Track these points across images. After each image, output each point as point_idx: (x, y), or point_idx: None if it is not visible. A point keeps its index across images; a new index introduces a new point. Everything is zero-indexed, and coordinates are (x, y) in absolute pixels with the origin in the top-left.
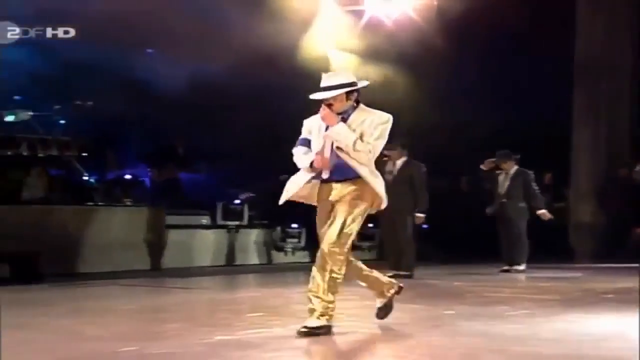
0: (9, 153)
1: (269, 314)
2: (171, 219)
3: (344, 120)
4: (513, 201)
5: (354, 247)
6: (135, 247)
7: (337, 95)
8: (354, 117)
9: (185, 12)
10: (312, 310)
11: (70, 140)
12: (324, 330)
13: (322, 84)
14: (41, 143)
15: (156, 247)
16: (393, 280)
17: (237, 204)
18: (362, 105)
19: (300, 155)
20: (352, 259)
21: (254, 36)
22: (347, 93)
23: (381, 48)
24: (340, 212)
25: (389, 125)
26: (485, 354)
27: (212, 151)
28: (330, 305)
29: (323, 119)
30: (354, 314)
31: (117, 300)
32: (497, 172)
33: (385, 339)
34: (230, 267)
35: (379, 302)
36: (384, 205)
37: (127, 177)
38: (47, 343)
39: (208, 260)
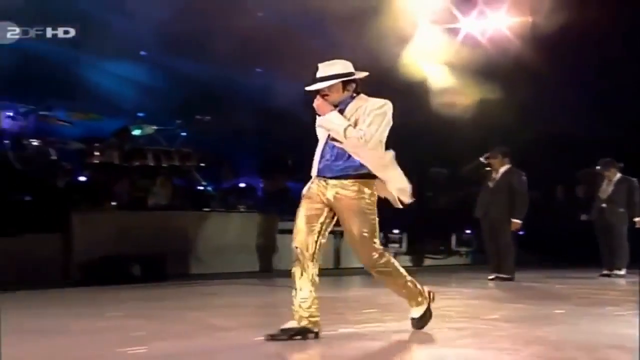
0: (137, 164)
1: (383, 310)
2: (282, 225)
3: (341, 111)
4: (614, 207)
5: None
6: (248, 250)
7: (332, 86)
8: (350, 107)
9: (294, 33)
10: (411, 304)
11: (191, 151)
12: (428, 314)
13: (318, 75)
14: (165, 154)
15: (267, 251)
16: (319, 323)
17: None
18: (361, 95)
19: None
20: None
21: (357, 54)
22: (344, 83)
23: (476, 64)
24: (356, 226)
25: (385, 110)
26: (604, 349)
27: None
28: (419, 288)
29: (316, 108)
30: (462, 311)
31: (238, 297)
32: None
33: (500, 332)
34: (336, 269)
35: (290, 323)
36: (406, 199)
37: (241, 185)
38: (188, 333)
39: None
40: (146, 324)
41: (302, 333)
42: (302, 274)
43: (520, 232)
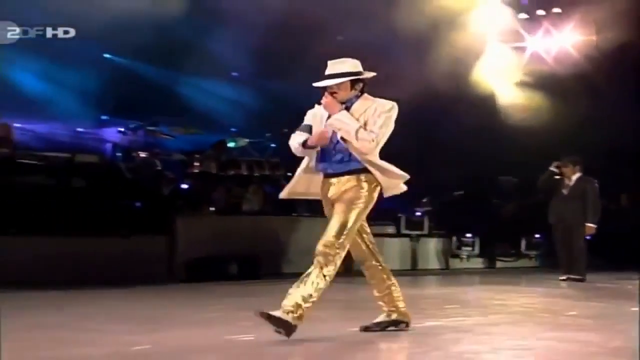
0: (232, 173)
1: (464, 307)
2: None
3: (347, 109)
4: None
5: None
6: None
7: (341, 84)
8: (357, 106)
9: (370, 54)
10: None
11: (279, 161)
12: (282, 327)
13: (327, 72)
14: (256, 164)
15: (348, 253)
16: (408, 314)
17: (418, 216)
18: (366, 95)
19: (294, 137)
20: (384, 265)
21: (430, 72)
22: (352, 82)
23: (542, 79)
24: (338, 213)
25: (394, 114)
26: None
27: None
28: (304, 305)
29: (325, 106)
30: (542, 308)
31: (328, 293)
32: None
33: (582, 326)
34: (413, 270)
35: (381, 317)
36: (399, 190)
37: None
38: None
39: (394, 264)
40: (249, 316)
41: (395, 324)
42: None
43: (588, 237)
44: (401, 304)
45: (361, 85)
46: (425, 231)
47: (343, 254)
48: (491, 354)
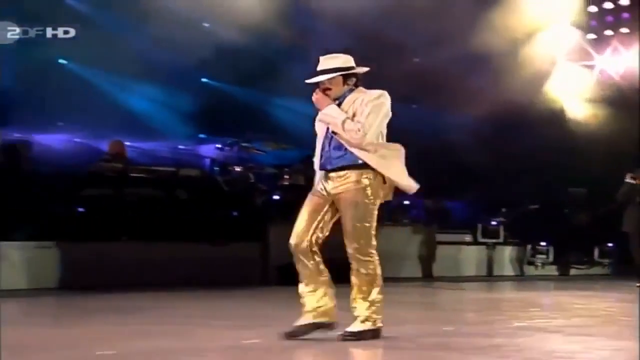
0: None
1: (546, 310)
2: (440, 237)
3: (339, 104)
4: None
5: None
6: (411, 258)
7: (333, 79)
8: (348, 99)
9: (444, 74)
10: (356, 317)
11: None
12: (369, 335)
13: (319, 67)
14: None
15: (428, 259)
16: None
17: (494, 225)
18: (359, 88)
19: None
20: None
21: (503, 89)
22: (345, 77)
23: (610, 96)
24: (347, 218)
25: (382, 101)
26: None
27: (470, 181)
28: (373, 307)
29: (315, 102)
30: (621, 312)
31: (413, 296)
32: None
33: None
34: (488, 277)
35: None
36: (410, 189)
37: (406, 202)
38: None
39: (471, 271)
40: (344, 315)
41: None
42: (304, 270)
43: None
44: (330, 303)
45: (354, 80)
46: (501, 239)
47: (373, 251)
48: (585, 354)
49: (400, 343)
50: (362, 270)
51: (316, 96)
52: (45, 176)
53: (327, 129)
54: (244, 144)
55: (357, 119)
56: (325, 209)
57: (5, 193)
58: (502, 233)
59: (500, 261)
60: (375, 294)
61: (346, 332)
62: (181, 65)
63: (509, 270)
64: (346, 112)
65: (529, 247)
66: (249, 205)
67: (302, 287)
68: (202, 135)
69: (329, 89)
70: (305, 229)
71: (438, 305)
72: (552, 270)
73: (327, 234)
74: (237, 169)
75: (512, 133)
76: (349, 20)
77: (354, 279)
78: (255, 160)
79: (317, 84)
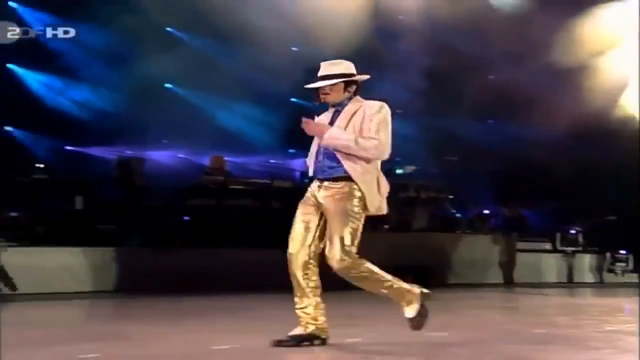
0: (402, 195)
1: (633, 315)
2: (520, 244)
3: (338, 112)
4: None
5: None
6: (492, 265)
7: (334, 85)
8: (348, 108)
9: (520, 89)
10: (402, 305)
11: (443, 185)
12: (423, 312)
13: (321, 73)
14: (422, 188)
15: (509, 266)
16: (325, 330)
17: (573, 233)
18: (357, 97)
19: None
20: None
21: (581, 105)
22: (346, 84)
23: None
24: (335, 223)
25: (384, 114)
26: None
27: (549, 191)
28: (404, 287)
29: (310, 132)
30: None
31: (497, 301)
32: None
33: None
34: (569, 284)
35: (298, 331)
36: (379, 211)
37: (485, 212)
38: (474, 325)
39: (552, 277)
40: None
41: (309, 339)
42: (298, 283)
43: None
44: (321, 318)
45: (354, 87)
46: (580, 247)
47: (355, 255)
48: None
49: (490, 346)
50: (356, 275)
51: (306, 126)
52: (155, 188)
53: None
54: None
55: (368, 134)
56: (318, 217)
57: (121, 204)
58: (581, 241)
59: (580, 269)
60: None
61: (407, 318)
62: (272, 87)
63: (589, 278)
64: (347, 122)
65: (608, 255)
66: None
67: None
68: (291, 150)
69: (328, 94)
70: (302, 240)
71: (523, 310)
72: (633, 277)
73: (321, 244)
74: None
75: (590, 144)
76: (428, 39)
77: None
78: None
79: (316, 90)
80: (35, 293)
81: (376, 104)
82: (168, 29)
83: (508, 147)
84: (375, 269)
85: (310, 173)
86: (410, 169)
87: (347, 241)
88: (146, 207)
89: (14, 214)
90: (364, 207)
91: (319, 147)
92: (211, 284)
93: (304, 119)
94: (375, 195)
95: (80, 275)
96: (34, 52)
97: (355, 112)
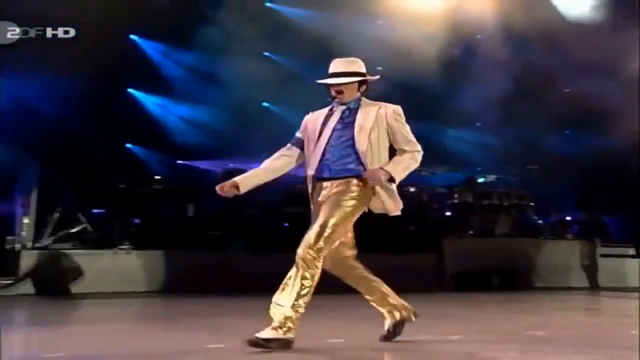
0: (485, 202)
1: None
2: (603, 250)
3: (350, 110)
4: None
5: None
6: (574, 270)
7: (350, 84)
8: (365, 110)
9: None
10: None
11: (525, 193)
12: (275, 345)
13: (336, 69)
14: (505, 195)
15: (592, 270)
16: (406, 304)
17: None
18: (364, 99)
19: (280, 152)
20: (360, 266)
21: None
22: (360, 83)
23: None
24: (322, 212)
25: (403, 117)
26: None
27: (630, 197)
28: (292, 316)
29: (374, 181)
30: None
31: (582, 303)
32: None
33: None
34: None
35: (388, 323)
36: (394, 211)
37: (567, 218)
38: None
39: (635, 282)
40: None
41: (402, 323)
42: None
43: None
44: (393, 300)
45: (364, 87)
46: None
47: (322, 256)
48: None
49: (593, 343)
50: (305, 274)
51: (371, 175)
52: (256, 198)
53: (331, 135)
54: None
55: (403, 146)
56: None
57: (226, 212)
58: None
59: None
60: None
61: (257, 337)
62: None
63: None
64: (362, 121)
65: None
66: (424, 221)
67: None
68: None
69: (342, 93)
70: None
71: (611, 311)
72: None
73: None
74: (411, 189)
75: None
76: (506, 54)
77: (289, 282)
78: (428, 181)
79: (327, 87)
80: (155, 291)
81: (394, 107)
82: (265, 53)
83: (586, 156)
84: (311, 283)
85: (311, 173)
86: (491, 177)
87: (326, 231)
88: (248, 215)
89: (137, 220)
90: (361, 204)
91: (329, 145)
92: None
93: (371, 173)
94: (370, 194)
95: (190, 276)
96: (150, 77)
97: (376, 116)
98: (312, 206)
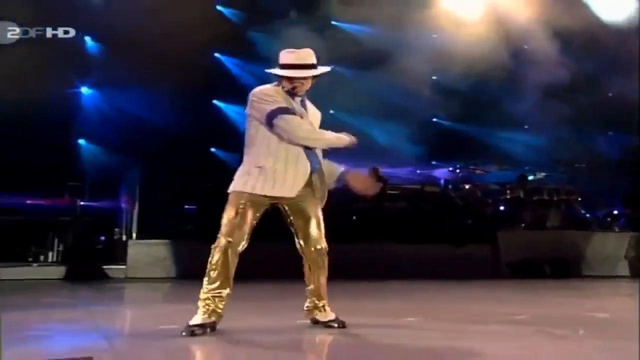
0: (536, 198)
1: None
2: None
3: (303, 103)
4: None
5: None
6: (621, 260)
7: (317, 76)
8: (309, 104)
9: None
10: (322, 308)
11: (573, 189)
12: (204, 329)
13: (307, 61)
14: (554, 191)
15: (637, 261)
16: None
17: None
18: None
19: (302, 124)
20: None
21: None
22: (314, 76)
23: None
24: (319, 209)
25: None
26: None
27: None
28: (209, 302)
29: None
30: None
31: (632, 290)
32: None
33: None
34: None
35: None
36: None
37: (614, 212)
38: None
39: None
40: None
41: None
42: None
43: None
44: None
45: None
46: None
47: None
48: None
49: None
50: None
51: (366, 184)
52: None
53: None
54: (471, 167)
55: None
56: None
57: None
58: None
59: None
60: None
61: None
62: (417, 109)
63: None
64: (313, 113)
65: None
66: (479, 215)
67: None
68: (434, 162)
69: (303, 84)
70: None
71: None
72: None
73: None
74: (467, 186)
75: None
76: (552, 61)
77: (321, 278)
78: (481, 179)
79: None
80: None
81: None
82: (332, 66)
83: (627, 155)
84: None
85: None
86: (540, 175)
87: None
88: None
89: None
90: None
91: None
92: (375, 272)
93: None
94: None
95: (275, 264)
96: (231, 89)
97: (311, 106)
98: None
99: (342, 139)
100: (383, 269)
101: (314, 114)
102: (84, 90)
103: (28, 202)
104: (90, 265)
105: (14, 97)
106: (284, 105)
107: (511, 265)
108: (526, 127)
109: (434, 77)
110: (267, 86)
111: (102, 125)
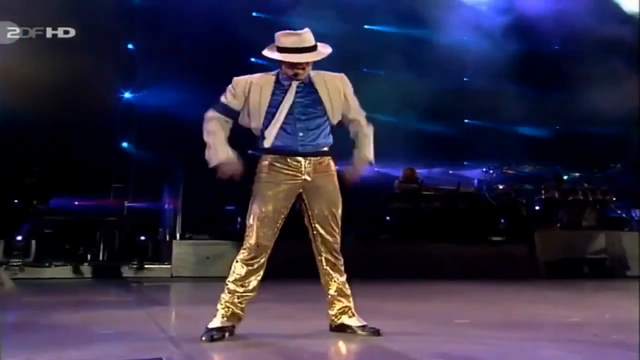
0: (571, 198)
1: None
2: None
3: (305, 84)
4: None
5: None
6: None
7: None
8: (317, 80)
9: None
10: (348, 309)
11: (608, 189)
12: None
13: (303, 44)
14: (590, 191)
15: None
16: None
17: None
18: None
19: (210, 134)
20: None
21: None
22: None
23: None
24: (334, 207)
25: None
26: None
27: None
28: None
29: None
30: None
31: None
32: None
33: None
34: None
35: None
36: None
37: None
38: None
39: None
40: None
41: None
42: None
43: None
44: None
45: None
46: None
47: None
48: None
49: None
50: (340, 263)
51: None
52: (363, 195)
53: (294, 110)
54: (505, 168)
55: (354, 105)
56: (291, 200)
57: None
58: None
59: None
60: None
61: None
62: (450, 111)
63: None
64: (327, 94)
65: None
66: (515, 215)
67: None
68: (466, 162)
69: (304, 69)
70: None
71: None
72: None
73: None
74: (501, 187)
75: None
76: (577, 62)
77: (337, 276)
78: (515, 180)
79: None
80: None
81: (343, 76)
82: (364, 69)
83: None
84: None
85: (269, 143)
86: (574, 175)
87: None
88: (356, 210)
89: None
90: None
91: (291, 115)
92: (411, 271)
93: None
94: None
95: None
96: None
97: (324, 81)
98: (264, 181)
99: (211, 156)
100: (422, 269)
101: (332, 88)
102: (127, 95)
103: (76, 203)
104: (137, 264)
105: (59, 104)
106: (227, 101)
107: (549, 265)
108: (557, 127)
109: (465, 79)
110: (248, 76)
111: (146, 127)
